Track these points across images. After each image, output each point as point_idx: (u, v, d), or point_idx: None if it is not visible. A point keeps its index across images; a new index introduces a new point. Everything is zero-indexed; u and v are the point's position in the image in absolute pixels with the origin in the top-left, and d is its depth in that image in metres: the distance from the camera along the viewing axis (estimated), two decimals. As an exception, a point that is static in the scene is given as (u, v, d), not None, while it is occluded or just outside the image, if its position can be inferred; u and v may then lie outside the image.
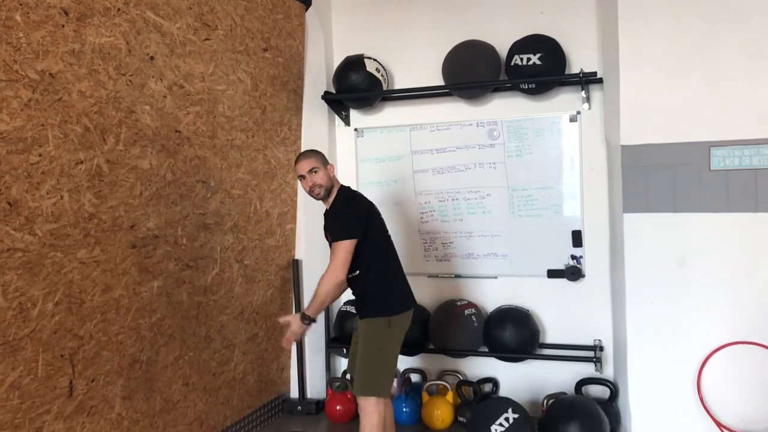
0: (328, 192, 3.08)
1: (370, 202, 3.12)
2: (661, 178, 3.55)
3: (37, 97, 2.37)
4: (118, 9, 2.74)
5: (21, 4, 2.30)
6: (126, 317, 2.85)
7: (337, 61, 4.41)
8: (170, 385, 3.16)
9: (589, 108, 3.98)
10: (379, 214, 3.12)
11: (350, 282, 3.08)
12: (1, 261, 2.26)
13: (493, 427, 3.23)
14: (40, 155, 2.39)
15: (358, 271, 3.04)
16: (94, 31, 2.61)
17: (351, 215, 3.02)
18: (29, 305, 2.38)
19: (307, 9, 4.28)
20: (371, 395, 2.93)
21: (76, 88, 2.53)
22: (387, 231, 3.14)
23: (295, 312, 4.21)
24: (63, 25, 2.48)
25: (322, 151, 3.17)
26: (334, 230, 3.01)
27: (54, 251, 2.47)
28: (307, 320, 2.99)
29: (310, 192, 3.07)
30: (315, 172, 3.04)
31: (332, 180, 3.10)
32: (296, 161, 3.11)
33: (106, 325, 2.74)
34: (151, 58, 2.93)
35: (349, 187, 3.17)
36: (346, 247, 2.94)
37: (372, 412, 2.91)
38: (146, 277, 2.97)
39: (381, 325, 2.99)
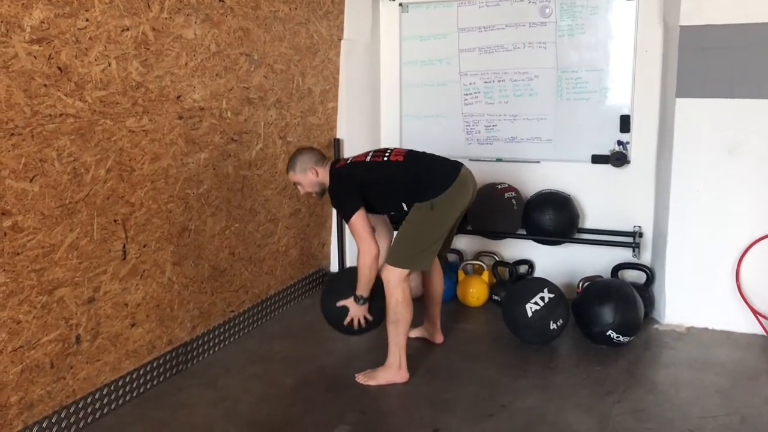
0: (323, 189, 3.12)
1: (353, 171, 3.04)
2: (719, 61, 3.39)
3: (81, -41, 2.33)
4: None
5: None
6: (174, 187, 2.93)
7: (384, -71, 4.19)
8: (217, 253, 3.28)
9: (649, -15, 3.76)
10: (371, 165, 3.03)
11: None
12: (55, 126, 2.31)
13: (528, 306, 3.30)
14: (87, 20, 2.37)
15: (393, 213, 3.22)
16: None
17: (342, 196, 2.99)
18: (83, 170, 2.45)
19: None
20: (394, 265, 2.93)
21: (119, -49, 2.47)
22: (389, 159, 3.03)
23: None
24: None
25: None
26: (341, 213, 3.08)
27: (104, 118, 2.51)
28: (362, 300, 2.97)
29: None
30: (299, 185, 3.13)
31: (319, 179, 3.06)
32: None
33: (155, 194, 2.82)
34: None
35: (339, 170, 3.06)
36: (358, 221, 2.90)
37: (395, 287, 2.91)
38: (193, 148, 3.01)
39: (424, 208, 2.95)
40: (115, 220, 2.64)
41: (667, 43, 3.68)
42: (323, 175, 3.08)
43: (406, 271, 2.95)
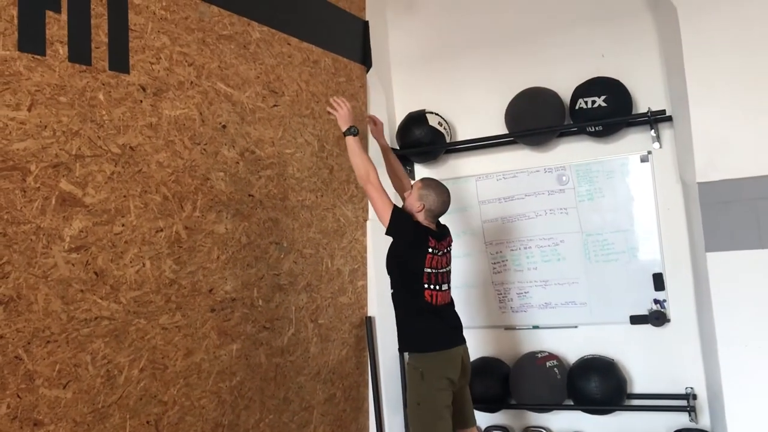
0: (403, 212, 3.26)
1: (428, 237, 3.14)
2: (744, 213, 3.39)
3: (119, 170, 2.48)
4: (191, 82, 2.87)
5: (103, 84, 2.44)
6: (207, 381, 2.88)
7: (400, 117, 4.48)
8: (252, 449, 3.15)
9: (660, 147, 3.88)
10: (432, 251, 3.14)
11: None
12: (90, 330, 2.33)
13: (586, 485, 3.06)
14: (122, 225, 2.48)
15: (392, 290, 3.24)
16: (169, 104, 2.74)
17: (395, 218, 3.11)
18: (116, 372, 2.43)
19: (368, 70, 4.38)
20: None
21: (154, 160, 2.64)
22: (433, 268, 3.15)
23: (370, 371, 4.16)
24: (141, 101, 2.60)
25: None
26: (384, 208, 3.12)
27: (138, 318, 2.53)
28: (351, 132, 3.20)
29: None
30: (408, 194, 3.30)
31: (411, 209, 3.21)
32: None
33: (188, 390, 2.77)
34: (224, 126, 3.04)
35: (411, 218, 3.22)
36: (383, 197, 3.10)
37: None
38: (225, 340, 3.00)
39: (416, 377, 3.08)
40: (147, 422, 2.57)
41: (688, 199, 3.73)
42: (410, 199, 3.23)
43: None
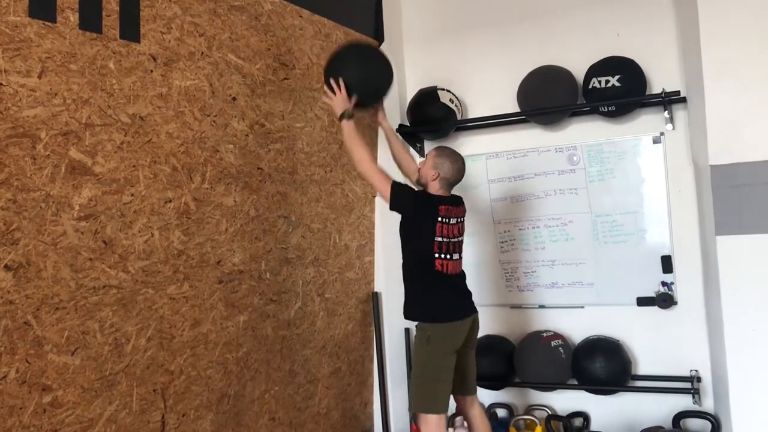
0: (423, 186, 3.31)
1: (437, 206, 3.14)
2: (755, 197, 3.36)
3: (129, 140, 2.48)
4: (202, 53, 2.85)
5: (114, 53, 2.43)
6: (214, 352, 2.90)
7: (411, 93, 4.44)
8: (257, 419, 3.18)
9: (673, 128, 3.84)
10: (443, 219, 3.14)
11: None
12: (98, 298, 2.35)
13: (587, 464, 3.09)
14: (132, 195, 2.49)
15: (403, 260, 3.23)
16: (179, 75, 2.73)
17: (407, 194, 3.14)
18: (123, 341, 2.46)
19: (380, 45, 4.34)
20: (426, 412, 3.04)
21: (164, 130, 2.64)
22: (444, 237, 3.14)
23: (376, 346, 4.18)
24: (151, 71, 2.59)
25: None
26: (390, 190, 3.14)
27: (146, 287, 2.55)
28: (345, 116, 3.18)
29: None
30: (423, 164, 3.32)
31: (426, 178, 3.25)
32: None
33: (195, 360, 2.80)
34: (234, 98, 3.03)
35: (426, 193, 3.26)
36: (382, 173, 3.13)
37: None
38: (232, 311, 3.02)
39: (422, 340, 3.12)
40: (154, 390, 2.60)
41: (699, 182, 3.69)
42: (425, 169, 3.25)
43: (435, 417, 3.02)
